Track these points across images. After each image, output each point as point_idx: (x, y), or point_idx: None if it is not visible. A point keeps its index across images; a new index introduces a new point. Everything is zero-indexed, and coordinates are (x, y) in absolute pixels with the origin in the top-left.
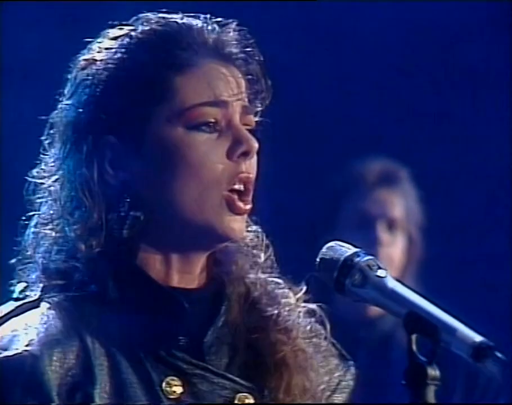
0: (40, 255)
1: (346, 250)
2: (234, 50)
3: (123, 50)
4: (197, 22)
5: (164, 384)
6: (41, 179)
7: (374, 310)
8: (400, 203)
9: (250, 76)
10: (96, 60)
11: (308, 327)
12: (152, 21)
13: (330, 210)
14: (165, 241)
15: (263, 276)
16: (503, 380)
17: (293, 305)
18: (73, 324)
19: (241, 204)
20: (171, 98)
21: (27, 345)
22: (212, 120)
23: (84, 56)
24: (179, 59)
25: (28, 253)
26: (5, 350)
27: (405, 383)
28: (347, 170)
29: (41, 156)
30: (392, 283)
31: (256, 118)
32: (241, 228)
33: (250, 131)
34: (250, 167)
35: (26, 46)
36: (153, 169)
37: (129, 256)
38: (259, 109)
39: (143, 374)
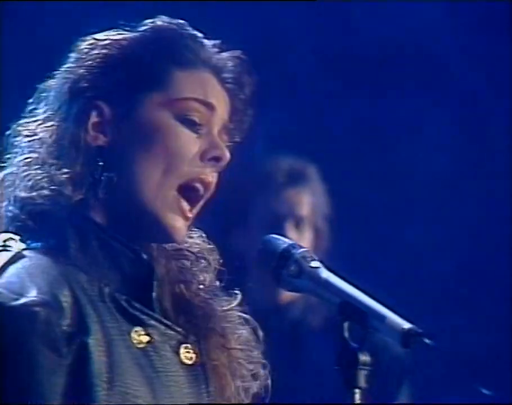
0: (22, 191)
1: (283, 242)
2: (229, 75)
3: (137, 34)
4: (208, 42)
5: (132, 334)
6: (26, 128)
7: (284, 298)
8: (308, 201)
9: (235, 105)
10: (107, 39)
11: (242, 336)
12: (172, 22)
13: (243, 211)
14: (118, 212)
15: (199, 282)
16: (407, 361)
17: (227, 313)
18: (62, 275)
19: (187, 209)
20: (168, 87)
21: (38, 293)
22: (197, 119)
23: (96, 36)
24: (184, 57)
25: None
26: (21, 295)
27: (338, 368)
28: (257, 170)
29: (28, 114)
30: (326, 274)
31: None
32: (183, 231)
33: None
34: (214, 177)
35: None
36: (130, 143)
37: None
38: (235, 137)
39: (117, 325)
